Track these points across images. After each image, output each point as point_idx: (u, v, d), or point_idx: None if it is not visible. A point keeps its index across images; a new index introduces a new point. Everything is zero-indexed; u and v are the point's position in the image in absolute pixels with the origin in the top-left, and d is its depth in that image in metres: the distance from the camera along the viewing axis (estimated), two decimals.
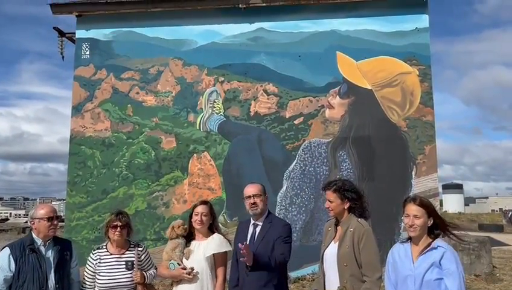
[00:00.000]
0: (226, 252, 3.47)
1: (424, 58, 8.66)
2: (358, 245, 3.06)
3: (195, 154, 8.86)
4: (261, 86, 8.91)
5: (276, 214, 7.78)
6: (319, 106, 8.74)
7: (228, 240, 3.55)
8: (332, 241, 3.23)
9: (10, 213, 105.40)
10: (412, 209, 2.81)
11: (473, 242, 8.91)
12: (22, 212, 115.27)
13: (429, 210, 2.82)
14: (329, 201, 3.22)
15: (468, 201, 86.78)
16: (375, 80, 8.66)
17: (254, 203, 3.38)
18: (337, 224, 3.28)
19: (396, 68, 8.66)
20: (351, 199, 3.20)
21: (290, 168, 8.58)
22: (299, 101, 8.81)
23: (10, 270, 3.10)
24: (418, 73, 8.60)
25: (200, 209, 3.50)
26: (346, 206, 3.20)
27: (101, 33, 9.37)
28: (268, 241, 3.27)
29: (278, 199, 8.46)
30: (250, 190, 3.45)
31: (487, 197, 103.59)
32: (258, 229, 3.38)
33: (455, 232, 2.90)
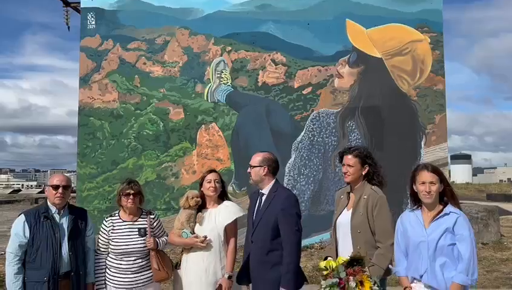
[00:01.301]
0: (236, 220, 3.51)
1: (436, 25, 8.44)
2: (372, 212, 3.08)
3: (203, 125, 8.86)
4: (269, 55, 8.78)
5: (285, 185, 7.84)
6: (327, 76, 8.62)
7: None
8: (345, 209, 3.25)
9: (22, 184, 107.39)
10: (427, 176, 2.82)
11: (481, 211, 8.95)
12: (34, 183, 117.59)
13: (441, 177, 2.84)
14: (349, 165, 3.21)
15: (476, 171, 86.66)
16: (386, 48, 8.49)
17: (249, 172, 3.43)
18: (349, 192, 3.28)
19: (407, 36, 8.46)
20: (370, 165, 3.21)
21: (299, 138, 8.56)
22: (308, 70, 8.69)
23: (25, 236, 3.16)
24: (429, 41, 8.40)
25: (211, 176, 3.53)
26: (364, 172, 3.21)
27: (106, 2, 9.22)
28: (272, 213, 3.26)
29: (286, 170, 8.48)
30: (251, 160, 3.44)
31: (495, 168, 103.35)
32: (263, 199, 3.39)
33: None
